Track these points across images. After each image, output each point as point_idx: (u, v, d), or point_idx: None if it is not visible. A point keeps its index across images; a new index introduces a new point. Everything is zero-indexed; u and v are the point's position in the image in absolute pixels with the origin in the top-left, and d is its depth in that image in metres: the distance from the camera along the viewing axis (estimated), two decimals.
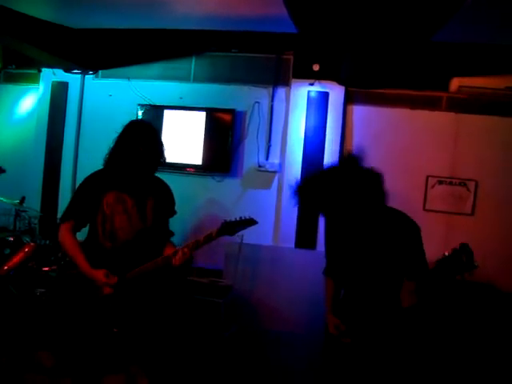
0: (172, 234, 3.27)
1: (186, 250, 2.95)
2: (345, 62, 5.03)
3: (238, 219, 2.95)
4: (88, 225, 3.13)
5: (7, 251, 4.61)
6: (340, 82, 5.23)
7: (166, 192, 3.22)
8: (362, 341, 2.60)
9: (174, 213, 3.26)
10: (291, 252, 5.24)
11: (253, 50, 5.50)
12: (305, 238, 5.24)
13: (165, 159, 3.14)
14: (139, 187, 3.08)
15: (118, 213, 3.02)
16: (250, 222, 2.97)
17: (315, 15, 4.55)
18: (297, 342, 4.87)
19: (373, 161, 5.16)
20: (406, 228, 2.55)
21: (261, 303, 5.19)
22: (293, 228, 5.25)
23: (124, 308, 2.96)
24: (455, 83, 5.00)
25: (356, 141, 5.32)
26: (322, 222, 5.18)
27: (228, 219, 2.94)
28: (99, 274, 2.90)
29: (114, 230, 3.01)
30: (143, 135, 3.01)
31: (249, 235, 4.58)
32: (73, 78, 5.95)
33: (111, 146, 3.09)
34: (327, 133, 5.23)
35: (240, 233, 3.02)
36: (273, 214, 5.37)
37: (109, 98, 5.86)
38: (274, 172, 5.40)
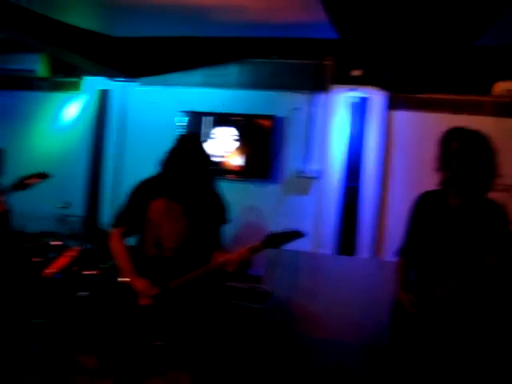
0: (219, 243, 3.19)
1: (233, 260, 2.90)
2: (386, 66, 4.97)
3: (284, 231, 2.90)
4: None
5: (53, 255, 4.72)
6: (381, 88, 5.17)
7: (216, 200, 3.19)
8: (436, 318, 2.77)
9: (225, 221, 3.20)
10: (331, 259, 5.20)
11: (293, 56, 5.49)
12: (344, 245, 5.18)
13: (214, 170, 3.14)
14: (188, 195, 3.07)
15: (166, 221, 3.03)
16: (297, 235, 2.92)
17: (356, 20, 4.52)
18: (336, 349, 4.83)
19: (416, 166, 5.11)
20: (496, 214, 2.74)
21: (300, 310, 5.16)
22: (333, 234, 5.21)
23: (164, 317, 2.97)
24: (499, 87, 4.89)
25: (398, 147, 5.25)
26: (362, 228, 5.13)
27: (274, 231, 2.89)
28: (140, 284, 2.93)
29: (160, 238, 3.02)
30: (194, 149, 3.04)
31: None
32: (116, 86, 6.08)
33: (165, 155, 3.09)
34: (368, 139, 5.18)
35: (268, 232, 2.97)
36: (312, 220, 5.33)
37: (151, 105, 5.94)
38: (314, 178, 5.36)
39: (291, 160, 5.45)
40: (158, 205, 3.05)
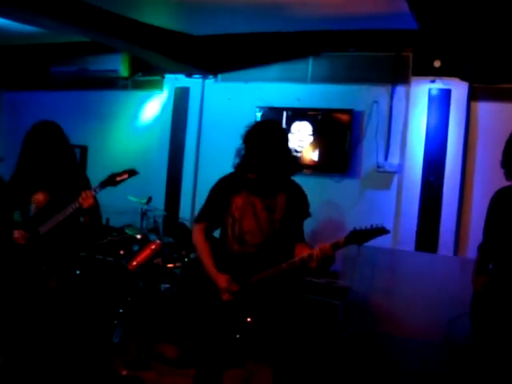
0: (302, 237, 3.14)
1: (315, 255, 2.81)
2: (469, 56, 4.81)
3: (368, 228, 2.78)
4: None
5: (136, 248, 4.88)
6: (463, 78, 4.98)
7: (297, 194, 3.12)
8: None
9: (307, 215, 3.14)
10: (411, 255, 5.09)
11: (370, 48, 5.39)
12: (425, 241, 5.05)
13: (297, 164, 3.10)
14: (269, 190, 3.04)
15: (247, 216, 3.01)
16: (381, 232, 2.80)
17: (438, 9, 4.39)
18: (415, 347, 4.73)
19: (499, 159, 4.90)
20: None
21: (378, 307, 5.09)
22: (413, 230, 5.08)
23: (245, 311, 2.99)
24: None
25: (481, 139, 5.05)
26: (444, 224, 4.99)
27: (358, 227, 2.79)
28: (222, 279, 2.94)
29: (242, 234, 3.01)
30: (273, 136, 2.99)
31: None
32: (194, 83, 6.20)
33: (241, 148, 3.09)
34: (449, 131, 5.01)
35: (352, 228, 2.91)
36: (392, 216, 5.23)
37: (228, 102, 6.02)
38: (394, 172, 5.26)
39: (370, 154, 5.36)
40: (239, 200, 3.04)
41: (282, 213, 3.03)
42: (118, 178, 3.42)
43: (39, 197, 3.44)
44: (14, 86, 7.33)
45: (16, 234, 3.40)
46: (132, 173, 3.45)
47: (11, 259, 3.42)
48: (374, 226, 2.79)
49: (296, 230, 3.10)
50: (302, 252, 2.92)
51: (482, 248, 3.53)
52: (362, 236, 2.79)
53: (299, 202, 3.11)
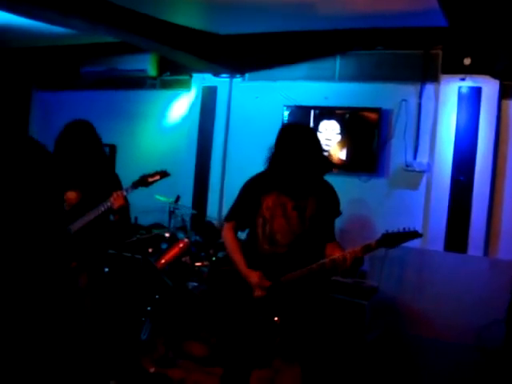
0: (332, 237, 3.13)
1: (346, 257, 2.81)
2: (500, 53, 4.73)
3: (400, 231, 2.77)
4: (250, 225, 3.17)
5: (164, 246, 4.92)
6: (494, 76, 4.91)
7: (328, 193, 3.12)
8: None
9: (338, 213, 3.14)
10: (440, 255, 5.03)
11: (399, 46, 5.35)
12: (455, 241, 4.99)
13: (329, 163, 3.10)
14: (300, 189, 3.03)
15: (278, 216, 3.01)
16: (414, 235, 2.77)
17: (469, 6, 4.34)
18: (443, 349, 4.67)
19: None
20: None
21: (406, 307, 5.04)
22: (442, 230, 5.03)
23: (273, 311, 2.99)
24: None
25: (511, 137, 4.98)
26: (474, 223, 4.92)
27: (390, 230, 2.78)
28: (254, 276, 2.95)
29: (272, 233, 3.01)
30: (303, 138, 2.99)
31: None
32: (221, 82, 6.22)
33: (272, 148, 3.10)
34: (480, 130, 4.94)
35: (384, 231, 2.89)
36: (421, 216, 5.18)
37: (255, 100, 6.04)
38: (422, 172, 5.20)
39: (398, 153, 5.31)
40: (270, 200, 3.04)
41: (313, 212, 3.03)
42: (150, 179, 3.47)
43: (71, 195, 3.49)
44: (46, 86, 7.47)
45: None
46: (164, 174, 3.50)
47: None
48: (407, 229, 2.76)
49: (327, 229, 3.09)
50: (332, 252, 2.92)
51: None
52: (394, 239, 2.77)
53: (330, 201, 3.10)
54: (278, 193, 3.04)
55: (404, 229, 2.76)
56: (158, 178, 3.48)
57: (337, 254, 2.85)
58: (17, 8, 4.31)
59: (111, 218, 3.58)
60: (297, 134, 3.02)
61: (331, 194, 3.13)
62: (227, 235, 3.15)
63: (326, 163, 3.15)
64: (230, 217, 3.18)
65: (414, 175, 5.24)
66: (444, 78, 5.12)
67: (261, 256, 3.04)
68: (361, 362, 4.32)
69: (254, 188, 3.11)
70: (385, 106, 5.35)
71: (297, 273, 2.93)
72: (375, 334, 4.74)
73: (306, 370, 3.05)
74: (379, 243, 2.78)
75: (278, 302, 2.98)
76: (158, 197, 5.31)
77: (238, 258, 3.04)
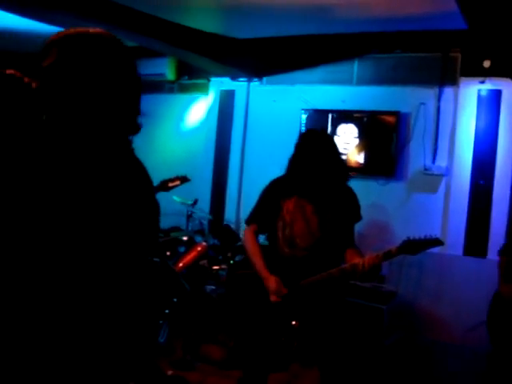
0: (352, 241, 3.13)
1: (365, 263, 2.81)
2: None
3: (422, 238, 2.76)
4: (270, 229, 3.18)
5: (182, 249, 4.94)
6: None
7: (349, 197, 3.13)
8: None
9: (358, 218, 3.15)
10: (459, 260, 4.98)
11: (417, 49, 5.31)
12: (474, 246, 4.94)
13: (346, 167, 3.12)
14: (320, 194, 3.05)
15: (298, 219, 3.03)
16: (436, 243, 2.76)
17: (488, 8, 4.30)
18: (463, 354, 4.62)
19: None
20: None
21: (425, 312, 5.00)
22: (461, 234, 4.98)
23: (292, 314, 2.99)
24: None
25: None
26: (494, 227, 4.86)
27: (411, 237, 2.76)
28: (272, 281, 2.95)
29: (293, 237, 3.02)
30: (323, 144, 3.02)
31: None
32: (239, 86, 6.24)
33: (292, 152, 3.12)
34: (500, 133, 4.89)
35: (404, 236, 2.87)
36: (439, 220, 5.13)
37: (273, 104, 6.04)
38: (441, 175, 5.15)
39: (417, 157, 5.27)
40: (290, 204, 3.06)
41: (333, 216, 3.03)
42: (170, 184, 3.49)
43: None
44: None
45: None
46: (184, 179, 3.52)
47: None
48: (428, 236, 2.74)
49: (347, 234, 3.09)
50: (352, 259, 2.92)
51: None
52: (415, 246, 2.75)
53: (350, 205, 3.11)
54: (298, 197, 3.06)
55: (425, 236, 2.74)
56: (178, 183, 3.51)
57: (357, 260, 2.85)
58: (38, 14, 4.37)
59: None
60: (317, 140, 3.04)
61: (352, 199, 3.13)
62: (248, 238, 3.17)
63: (345, 170, 3.16)
64: (250, 220, 3.20)
65: (433, 179, 5.19)
66: (463, 80, 5.08)
67: (281, 259, 3.04)
68: (379, 366, 4.29)
69: (274, 191, 3.13)
70: (403, 109, 5.32)
71: (317, 277, 2.94)
72: (393, 338, 4.71)
73: (325, 374, 3.04)
74: (400, 250, 2.77)
75: (297, 306, 2.98)
76: (175, 198, 5.33)
77: (258, 261, 3.05)
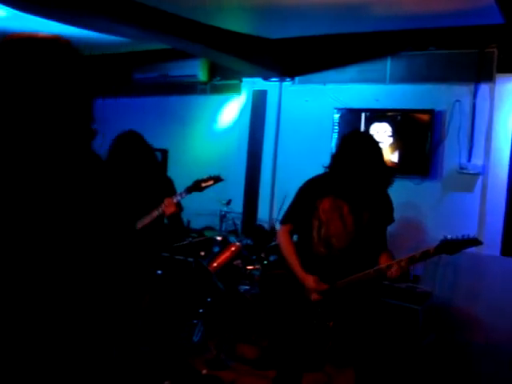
0: (385, 243, 3.13)
1: (402, 263, 2.81)
2: None
3: (459, 238, 2.73)
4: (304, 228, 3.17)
5: (216, 249, 4.97)
6: None
7: (384, 199, 3.13)
8: None
9: (391, 220, 3.15)
10: (496, 260, 4.88)
11: (452, 46, 5.22)
12: None
13: (386, 169, 3.10)
14: (357, 194, 3.04)
15: (334, 219, 3.02)
16: (474, 243, 2.73)
17: None
18: (501, 356, 4.53)
19: None
20: None
21: (461, 313, 4.92)
22: (498, 234, 4.87)
23: (329, 314, 2.99)
24: None
25: None
26: None
27: (449, 236, 2.73)
28: (310, 280, 2.96)
29: (328, 237, 3.02)
30: (367, 147, 3.01)
31: None
32: (271, 86, 6.24)
33: (333, 153, 3.12)
34: None
35: (439, 237, 2.83)
36: (475, 220, 5.04)
37: (305, 104, 6.02)
38: (477, 174, 5.05)
39: (452, 155, 5.18)
40: (325, 203, 3.05)
41: (369, 218, 3.03)
42: (204, 184, 3.51)
43: None
44: (99, 93, 7.65)
45: None
46: (217, 179, 3.54)
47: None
48: (466, 236, 2.70)
49: (380, 236, 3.09)
50: (386, 261, 2.91)
51: None
52: (453, 246, 2.71)
53: (385, 207, 3.11)
54: (335, 196, 3.05)
55: (463, 236, 2.70)
56: (211, 183, 3.53)
57: (392, 261, 2.83)
58: (71, 19, 4.45)
59: (165, 221, 3.65)
60: (364, 142, 3.03)
61: (386, 201, 3.13)
62: (283, 238, 3.17)
63: (389, 175, 3.12)
64: (285, 219, 3.20)
65: (469, 177, 5.10)
66: (499, 77, 4.97)
67: (315, 259, 3.04)
68: (414, 366, 4.25)
69: (310, 191, 3.12)
70: (437, 107, 5.24)
71: (353, 277, 2.93)
72: (429, 339, 4.65)
73: (361, 375, 3.03)
74: (438, 250, 2.74)
75: (332, 306, 2.97)
76: (210, 200, 5.34)
77: (294, 261, 3.05)
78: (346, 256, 3.00)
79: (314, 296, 2.96)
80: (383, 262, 2.93)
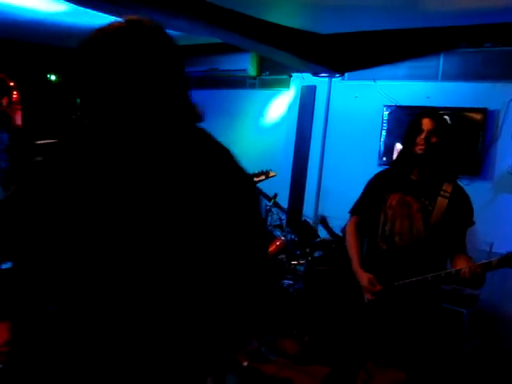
0: (462, 248, 2.91)
1: (466, 272, 2.65)
2: None
3: None
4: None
5: None
6: None
7: (461, 199, 2.93)
8: None
9: (471, 223, 2.95)
10: None
11: (509, 42, 5.07)
12: None
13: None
14: (429, 191, 2.89)
15: (400, 216, 2.90)
16: None
17: None
18: None
19: None
20: None
21: (509, 318, 4.79)
22: None
23: (383, 314, 2.93)
24: None
25: None
26: None
27: None
28: (364, 278, 2.91)
29: (392, 234, 2.91)
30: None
31: (500, 243, 4.28)
32: (320, 82, 6.21)
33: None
34: None
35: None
36: None
37: (355, 100, 5.97)
38: None
39: (505, 156, 5.02)
40: (393, 199, 2.94)
41: (440, 218, 2.85)
42: (256, 179, 3.51)
43: None
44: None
45: None
46: (269, 174, 3.53)
47: None
48: None
49: (456, 239, 2.91)
50: (458, 265, 2.76)
51: None
52: None
53: (462, 208, 2.93)
54: (404, 192, 2.93)
55: None
56: (263, 178, 3.53)
57: (454, 269, 2.71)
58: (127, 13, 4.52)
59: None
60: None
61: (465, 201, 2.95)
62: (349, 229, 3.12)
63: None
64: (354, 211, 3.15)
65: None
66: None
67: (377, 254, 2.97)
68: (457, 371, 4.17)
69: (379, 184, 3.04)
70: (491, 106, 5.09)
71: (412, 280, 2.81)
72: (474, 343, 4.55)
73: (411, 377, 2.97)
74: (500, 262, 2.59)
75: (389, 307, 2.90)
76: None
77: (354, 255, 3.00)
78: (407, 255, 2.87)
79: (367, 295, 2.91)
80: (455, 264, 2.77)
